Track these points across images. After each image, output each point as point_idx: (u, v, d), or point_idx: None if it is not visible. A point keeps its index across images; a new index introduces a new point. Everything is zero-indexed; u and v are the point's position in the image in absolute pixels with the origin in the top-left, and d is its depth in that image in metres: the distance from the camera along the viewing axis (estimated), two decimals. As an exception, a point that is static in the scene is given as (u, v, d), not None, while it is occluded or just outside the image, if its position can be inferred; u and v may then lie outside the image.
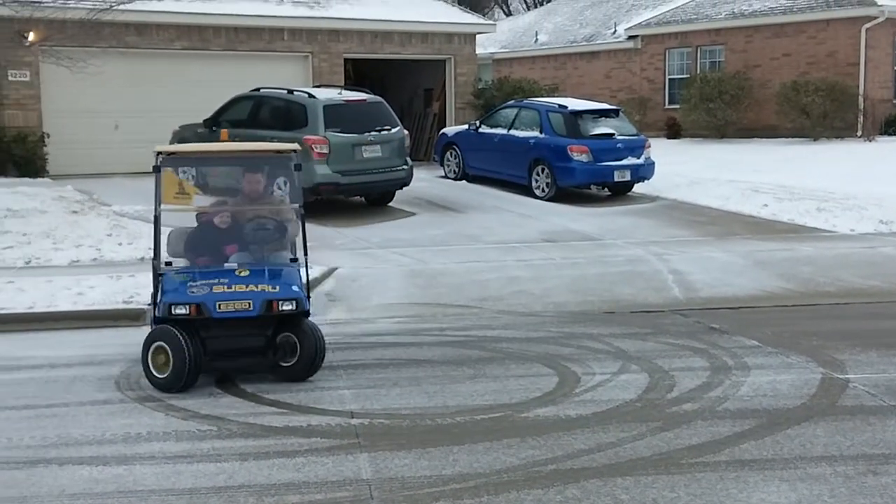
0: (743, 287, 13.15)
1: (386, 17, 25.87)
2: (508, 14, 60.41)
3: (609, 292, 12.92)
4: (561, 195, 19.89)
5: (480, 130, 21.81)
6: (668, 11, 34.45)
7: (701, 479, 6.45)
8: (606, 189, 20.97)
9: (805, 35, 29.68)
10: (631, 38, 34.54)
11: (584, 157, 19.66)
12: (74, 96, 21.71)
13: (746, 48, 31.06)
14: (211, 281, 8.83)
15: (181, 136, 20.33)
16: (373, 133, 18.11)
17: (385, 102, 19.08)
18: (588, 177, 20.06)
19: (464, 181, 22.03)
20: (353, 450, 7.09)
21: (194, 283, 8.82)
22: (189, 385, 8.61)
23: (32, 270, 13.59)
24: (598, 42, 35.92)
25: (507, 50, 38.92)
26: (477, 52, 28.29)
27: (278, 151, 9.74)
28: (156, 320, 8.98)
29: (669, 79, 33.57)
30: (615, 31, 35.51)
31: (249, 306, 8.69)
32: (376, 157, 18.14)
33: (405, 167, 18.70)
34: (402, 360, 9.77)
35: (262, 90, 19.44)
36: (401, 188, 19.00)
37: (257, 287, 8.78)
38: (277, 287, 8.87)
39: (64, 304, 11.88)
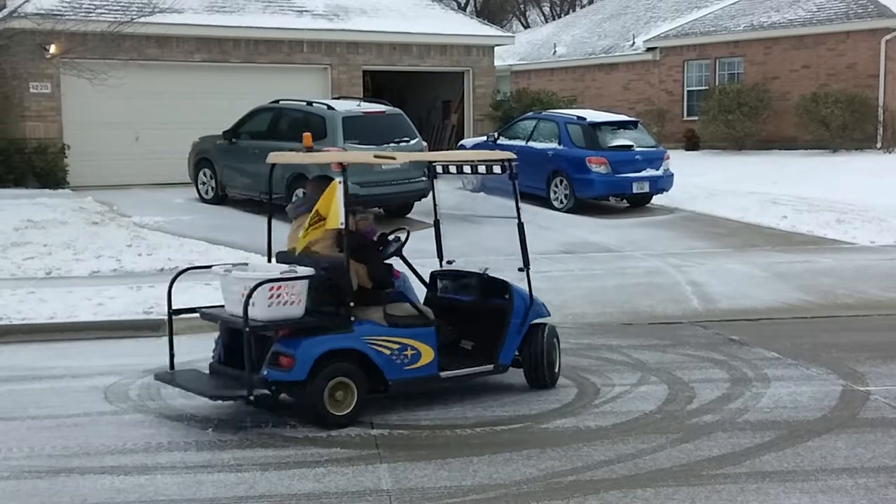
0: (762, 299, 13.12)
1: (404, 29, 25.94)
2: (526, 26, 60.47)
3: (628, 304, 12.91)
4: (579, 207, 19.88)
5: (499, 142, 21.81)
6: (686, 23, 34.42)
7: (721, 490, 6.43)
8: (625, 201, 20.95)
9: (824, 47, 29.61)
10: (649, 49, 34.52)
11: (602, 169, 19.65)
12: (95, 108, 21.82)
13: (765, 60, 31.00)
14: None
15: (200, 147, 20.45)
16: (391, 145, 18.12)
17: (404, 114, 19.13)
18: (606, 188, 20.05)
19: (482, 193, 22.02)
20: (373, 460, 7.10)
21: None
22: None
23: (53, 281, 13.67)
24: (616, 54, 35.91)
25: (525, 62, 38.95)
26: (495, 64, 28.33)
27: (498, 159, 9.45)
28: None
29: (688, 90, 33.52)
30: (633, 42, 35.51)
31: None
32: (395, 168, 18.16)
33: (423, 178, 18.72)
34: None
35: (281, 102, 19.51)
36: (419, 199, 19.01)
37: None
38: None
39: (84, 315, 11.95)
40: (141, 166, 22.46)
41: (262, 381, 7.73)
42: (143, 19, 20.35)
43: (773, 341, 10.79)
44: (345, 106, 18.56)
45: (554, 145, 20.48)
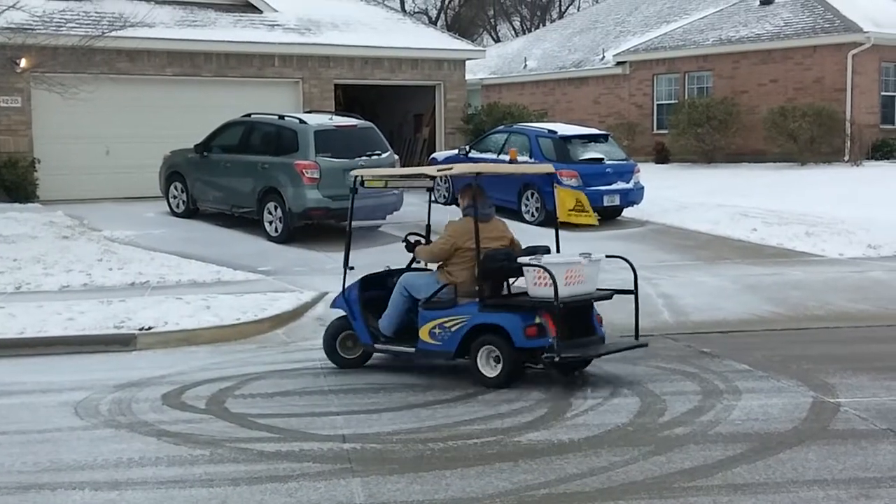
0: (733, 311, 13.19)
1: (376, 43, 25.98)
2: (497, 40, 60.69)
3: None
4: (550, 219, 19.84)
5: (470, 155, 21.86)
6: (655, 38, 34.67)
7: (694, 502, 6.45)
8: (596, 214, 20.98)
9: (792, 61, 29.89)
10: (619, 63, 34.73)
11: (573, 182, 19.68)
12: (65, 122, 21.72)
13: (734, 74, 31.25)
14: None
15: (172, 161, 20.38)
16: (363, 158, 18.13)
17: (375, 128, 19.15)
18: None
19: (454, 206, 22.03)
20: (346, 474, 7.08)
21: None
22: None
23: (23, 296, 13.57)
24: (586, 68, 36.10)
25: (496, 76, 39.09)
26: (466, 77, 28.41)
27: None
28: None
29: (658, 104, 33.75)
30: (603, 57, 35.71)
31: None
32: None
33: (395, 192, 18.72)
34: (393, 385, 9.78)
35: (253, 116, 19.49)
36: (391, 213, 19.01)
37: None
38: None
39: (55, 330, 11.86)
40: (112, 180, 22.36)
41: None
42: (114, 33, 20.28)
43: (744, 353, 10.84)
44: (316, 120, 18.56)
45: (525, 158, 20.54)
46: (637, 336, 10.28)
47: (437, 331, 9.74)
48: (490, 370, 9.55)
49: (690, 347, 11.28)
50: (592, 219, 11.46)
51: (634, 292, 10.42)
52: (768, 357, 10.66)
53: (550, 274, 9.28)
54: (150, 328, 11.94)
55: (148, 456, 7.56)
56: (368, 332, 10.21)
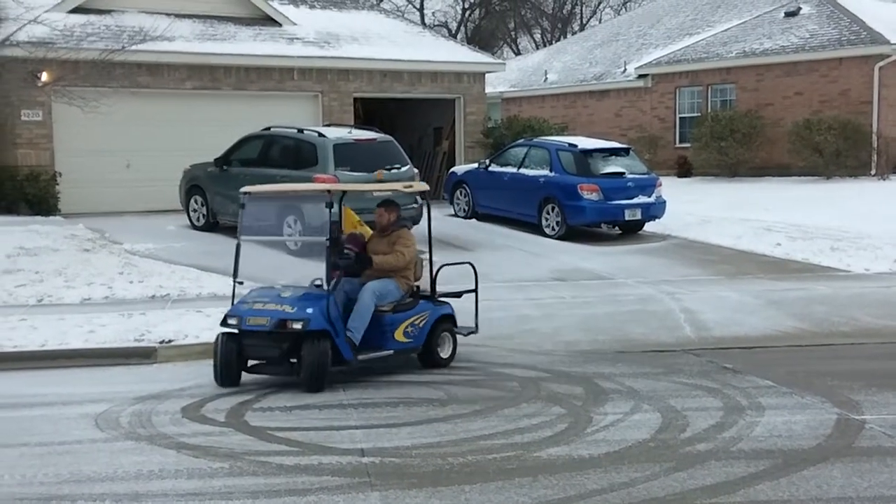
0: (756, 326, 13.09)
1: (395, 56, 26.00)
2: (517, 53, 60.73)
3: (620, 331, 12.88)
4: (571, 234, 19.88)
5: (490, 169, 21.85)
6: (678, 50, 34.56)
7: (716, 519, 6.38)
8: (617, 228, 20.96)
9: (817, 73, 29.73)
10: (641, 76, 34.64)
11: (594, 196, 19.66)
12: (86, 135, 21.81)
13: (758, 87, 31.11)
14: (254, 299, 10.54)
15: (192, 174, 20.43)
16: (383, 172, 18.12)
17: (395, 141, 19.13)
18: (598, 215, 20.07)
19: (473, 219, 22.04)
20: (365, 489, 7.04)
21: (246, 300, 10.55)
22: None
23: (44, 308, 13.61)
24: (607, 81, 36.04)
25: (516, 89, 39.06)
26: (486, 91, 28.39)
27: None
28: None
29: (680, 117, 33.63)
30: (625, 69, 35.64)
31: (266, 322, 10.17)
32: (386, 195, 18.12)
33: (415, 206, 18.71)
34: (412, 399, 9.73)
35: (272, 129, 19.52)
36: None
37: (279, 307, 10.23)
38: (294, 308, 10.13)
39: (76, 342, 11.88)
40: (132, 193, 22.43)
41: None
42: (134, 47, 20.37)
43: (767, 369, 10.75)
44: (336, 133, 18.55)
45: (545, 172, 20.50)
46: (476, 326, 11.72)
47: (409, 329, 10.84)
48: (445, 352, 11.22)
49: (713, 363, 11.19)
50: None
51: (475, 290, 11.94)
52: (792, 373, 10.56)
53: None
54: (170, 341, 11.94)
55: (167, 468, 7.54)
56: (349, 347, 10.28)
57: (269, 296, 10.47)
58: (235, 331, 10.32)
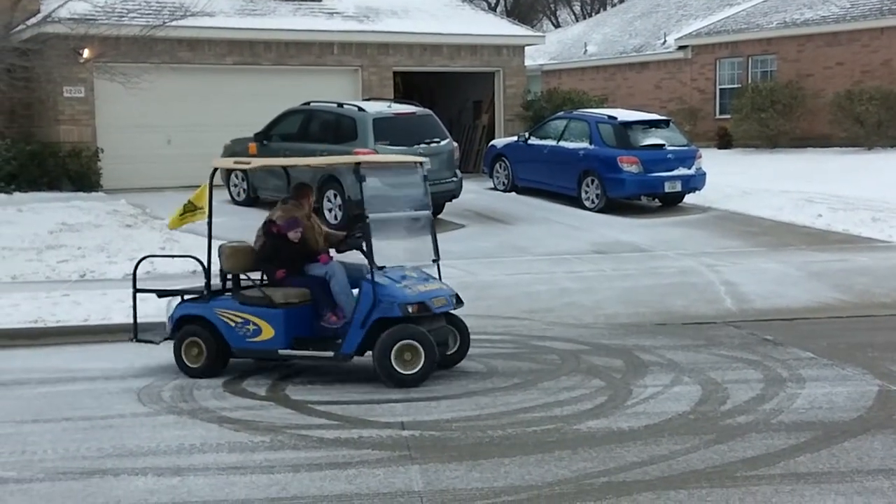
0: (797, 298, 13.01)
1: (435, 30, 25.93)
2: (557, 26, 60.35)
3: (661, 304, 12.84)
4: (611, 206, 19.80)
5: (529, 142, 21.77)
6: (718, 21, 34.21)
7: (756, 492, 6.37)
8: (657, 200, 20.84)
9: (859, 44, 29.34)
10: (681, 48, 34.34)
11: (634, 168, 19.55)
12: (128, 111, 21.96)
13: (799, 57, 30.75)
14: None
15: (232, 150, 20.50)
16: (422, 146, 18.11)
17: (434, 115, 19.11)
18: (638, 188, 19.95)
19: (513, 193, 21.99)
20: (405, 462, 7.09)
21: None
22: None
23: (87, 283, 13.77)
24: (647, 52, 35.75)
25: (556, 61, 38.86)
26: (526, 63, 28.27)
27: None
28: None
29: (720, 89, 33.31)
30: (665, 41, 35.34)
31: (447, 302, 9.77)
32: (426, 169, 18.12)
33: (454, 179, 18.71)
34: (452, 372, 9.76)
35: (312, 104, 19.55)
36: (450, 200, 19.00)
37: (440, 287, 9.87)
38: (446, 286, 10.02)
39: (118, 317, 12.01)
40: (173, 169, 22.55)
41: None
42: (174, 23, 20.46)
43: (808, 341, 10.69)
44: (375, 107, 18.57)
45: (585, 145, 20.40)
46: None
47: None
48: None
49: (753, 335, 11.14)
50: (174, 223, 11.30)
51: None
52: (833, 345, 10.50)
53: None
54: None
55: (209, 442, 7.63)
56: None
57: (416, 276, 9.75)
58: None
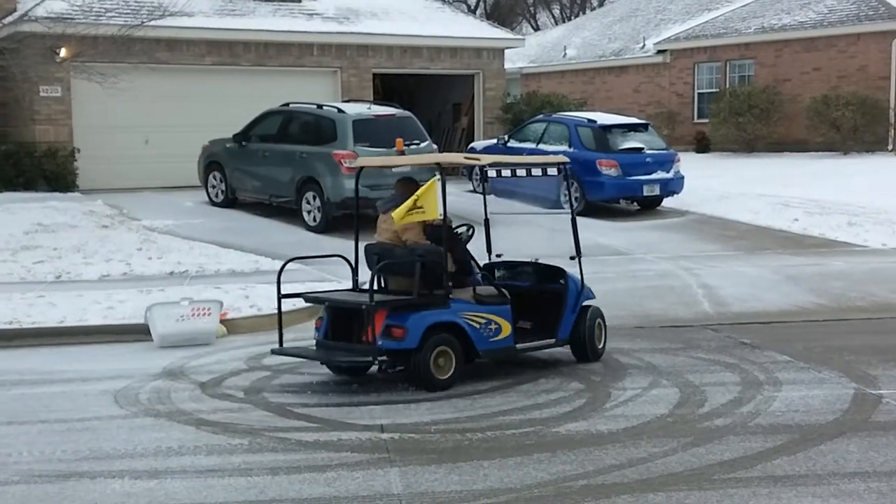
0: (774, 302, 13.07)
1: (415, 32, 25.94)
2: (536, 29, 60.44)
3: (639, 307, 12.87)
4: (590, 209, 19.82)
5: (509, 145, 21.78)
6: (697, 26, 34.37)
7: (733, 495, 6.39)
8: (635, 203, 20.90)
9: (835, 49, 29.54)
10: (660, 52, 34.47)
11: (613, 172, 19.61)
12: (105, 111, 21.86)
13: (776, 62, 30.93)
14: None
15: (210, 150, 20.46)
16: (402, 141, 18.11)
17: (414, 117, 19.11)
18: (617, 191, 20.01)
19: (492, 195, 21.95)
20: (384, 464, 7.08)
21: None
22: None
23: (63, 285, 13.68)
24: (626, 56, 35.87)
25: (535, 64, 38.92)
26: (505, 66, 28.30)
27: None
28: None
29: (698, 93, 33.47)
30: (644, 45, 35.46)
31: None
32: (405, 171, 18.12)
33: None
34: (431, 375, 9.74)
35: (291, 105, 19.52)
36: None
37: None
38: None
39: (94, 319, 11.95)
40: (151, 169, 22.48)
41: (377, 350, 8.90)
42: (153, 23, 20.40)
43: (784, 344, 10.74)
44: (355, 109, 18.56)
45: (564, 148, 20.41)
46: None
47: None
48: None
49: (730, 338, 11.18)
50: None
51: None
52: (809, 348, 10.55)
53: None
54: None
55: (187, 445, 7.59)
56: None
57: None
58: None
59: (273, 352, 9.77)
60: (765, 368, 9.69)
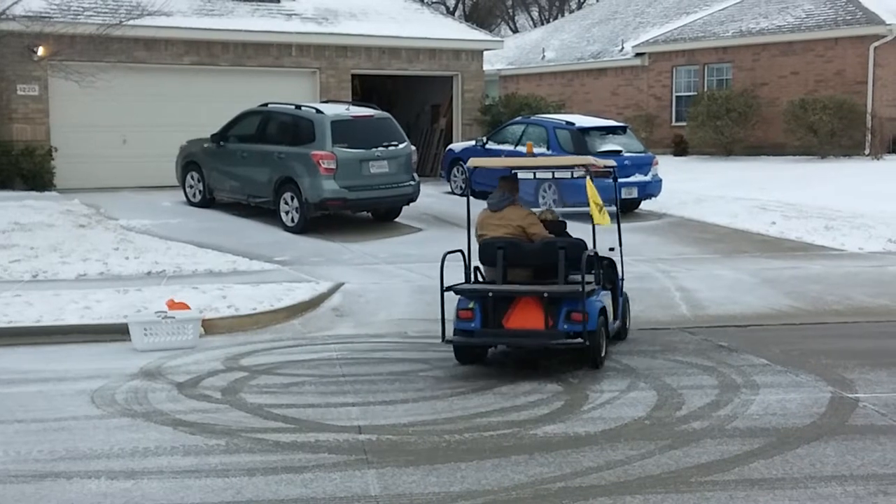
0: (751, 305, 13.12)
1: (394, 33, 25.93)
2: (515, 31, 60.54)
3: (617, 309, 12.87)
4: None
5: (487, 146, 21.81)
6: (675, 29, 34.49)
7: (710, 497, 6.41)
8: (613, 206, 20.89)
9: (813, 53, 29.71)
10: (638, 55, 34.58)
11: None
12: (83, 111, 21.77)
13: (754, 66, 31.08)
14: None
15: (188, 150, 20.40)
16: (380, 149, 18.13)
17: (392, 118, 19.11)
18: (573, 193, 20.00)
19: (471, 197, 21.96)
20: (361, 466, 7.07)
21: None
22: None
23: (39, 284, 13.60)
24: (605, 59, 35.96)
25: (514, 66, 38.97)
26: (484, 68, 28.32)
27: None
28: None
29: (676, 96, 33.60)
30: (622, 48, 35.56)
31: None
32: (383, 172, 18.15)
33: (412, 183, 18.72)
34: (409, 376, 9.75)
35: (269, 105, 19.48)
36: (407, 204, 19.00)
37: None
38: None
39: (71, 318, 11.88)
40: (128, 169, 22.41)
41: (564, 333, 9.75)
42: (131, 22, 20.32)
43: (762, 348, 10.78)
44: (333, 110, 18.53)
45: (543, 150, 20.45)
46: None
47: None
48: None
49: (708, 341, 11.22)
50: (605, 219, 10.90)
51: None
52: (786, 351, 10.59)
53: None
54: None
55: (164, 445, 7.56)
56: None
57: None
58: None
59: (445, 342, 10.08)
60: (742, 372, 9.73)
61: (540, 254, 10.30)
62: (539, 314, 9.82)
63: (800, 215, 19.43)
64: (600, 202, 10.58)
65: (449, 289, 10.00)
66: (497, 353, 10.69)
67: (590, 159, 11.51)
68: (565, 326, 9.74)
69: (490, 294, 9.93)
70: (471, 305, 9.98)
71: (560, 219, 11.41)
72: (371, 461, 7.16)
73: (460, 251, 10.37)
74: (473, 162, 11.24)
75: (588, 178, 10.74)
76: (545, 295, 9.76)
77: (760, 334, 11.68)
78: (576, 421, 8.14)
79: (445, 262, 10.07)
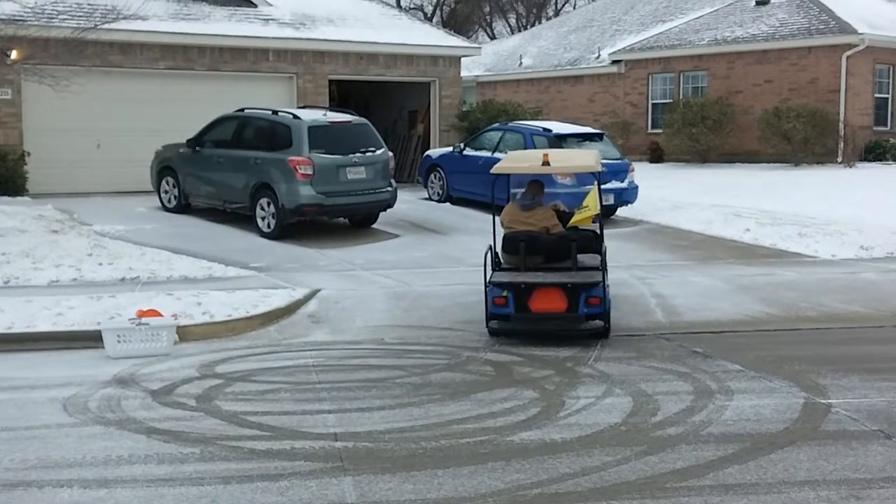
0: (725, 311, 13.17)
1: (371, 38, 25.92)
2: (493, 37, 60.67)
3: (592, 316, 12.89)
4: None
5: (465, 153, 21.82)
6: (651, 37, 34.66)
7: (686, 502, 6.43)
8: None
9: (787, 62, 29.91)
10: (615, 62, 34.72)
11: (568, 181, 19.64)
12: (56, 115, 21.64)
13: (729, 74, 31.26)
14: None
15: (164, 155, 20.30)
16: (357, 154, 18.09)
17: (370, 124, 19.08)
18: (572, 200, 20.01)
19: (447, 203, 22.02)
20: (337, 473, 7.04)
21: None
22: None
23: (11, 290, 13.50)
24: (581, 66, 36.08)
25: (491, 73, 39.04)
26: (461, 74, 28.36)
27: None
28: None
29: (652, 103, 33.75)
30: (599, 55, 35.69)
31: None
32: (360, 178, 18.12)
33: (389, 189, 18.70)
34: (386, 383, 9.73)
35: (246, 111, 19.41)
36: (385, 210, 18.98)
37: None
38: None
39: (43, 325, 11.78)
40: (102, 174, 22.29)
41: (583, 316, 11.44)
42: (106, 26, 20.18)
43: (736, 354, 10.82)
44: (310, 115, 18.49)
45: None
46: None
47: None
48: None
49: (683, 347, 11.25)
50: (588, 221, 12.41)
51: None
52: (760, 357, 10.64)
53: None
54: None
55: (137, 454, 7.51)
56: None
57: None
58: None
59: (491, 333, 11.66)
60: (717, 377, 9.76)
61: (555, 245, 12.14)
62: (560, 298, 11.37)
63: (774, 222, 19.53)
64: (597, 210, 11.96)
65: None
66: (469, 363, 10.68)
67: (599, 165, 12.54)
68: (585, 310, 11.35)
69: (522, 286, 11.42)
70: (504, 294, 11.44)
71: (566, 210, 13.16)
72: (347, 468, 7.14)
73: (490, 246, 12.17)
74: (497, 168, 12.28)
75: (596, 182, 12.15)
76: (569, 286, 11.35)
77: (735, 340, 11.73)
78: (552, 427, 8.14)
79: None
